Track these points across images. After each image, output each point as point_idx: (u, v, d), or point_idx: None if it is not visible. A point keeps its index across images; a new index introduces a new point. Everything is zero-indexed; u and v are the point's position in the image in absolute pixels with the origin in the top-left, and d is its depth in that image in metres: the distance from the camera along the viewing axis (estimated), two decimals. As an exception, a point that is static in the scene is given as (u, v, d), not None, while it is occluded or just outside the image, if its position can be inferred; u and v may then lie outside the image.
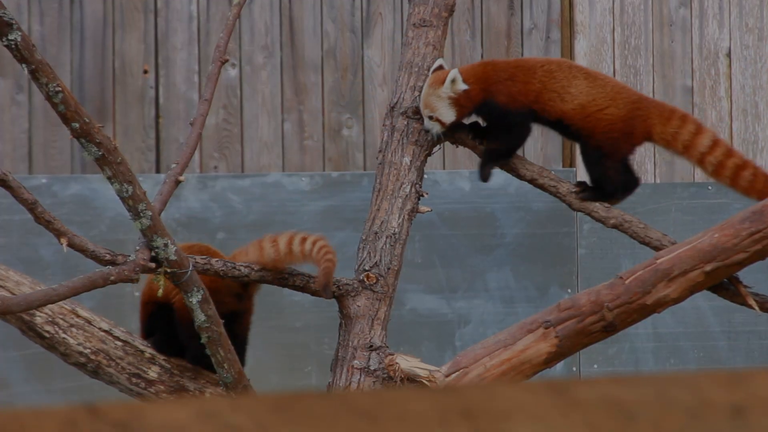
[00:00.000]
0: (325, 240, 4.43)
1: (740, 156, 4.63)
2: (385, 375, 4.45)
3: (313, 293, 4.55)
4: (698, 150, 4.63)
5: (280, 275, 4.49)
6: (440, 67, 4.65)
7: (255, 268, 4.45)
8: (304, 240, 4.41)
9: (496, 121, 4.63)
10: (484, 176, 4.66)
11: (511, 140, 4.65)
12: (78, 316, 4.60)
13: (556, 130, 4.76)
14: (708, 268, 4.35)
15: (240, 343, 4.59)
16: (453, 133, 4.66)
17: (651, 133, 4.67)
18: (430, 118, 4.59)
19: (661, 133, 4.66)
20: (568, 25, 7.34)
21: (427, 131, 4.62)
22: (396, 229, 4.65)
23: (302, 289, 4.53)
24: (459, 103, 4.57)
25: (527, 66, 4.64)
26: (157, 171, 7.08)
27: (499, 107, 4.59)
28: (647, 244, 4.64)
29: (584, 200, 4.64)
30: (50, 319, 4.55)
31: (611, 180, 4.65)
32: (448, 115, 4.57)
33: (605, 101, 4.62)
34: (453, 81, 4.54)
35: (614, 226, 4.67)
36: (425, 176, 4.88)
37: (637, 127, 4.65)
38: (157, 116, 7.16)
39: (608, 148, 4.63)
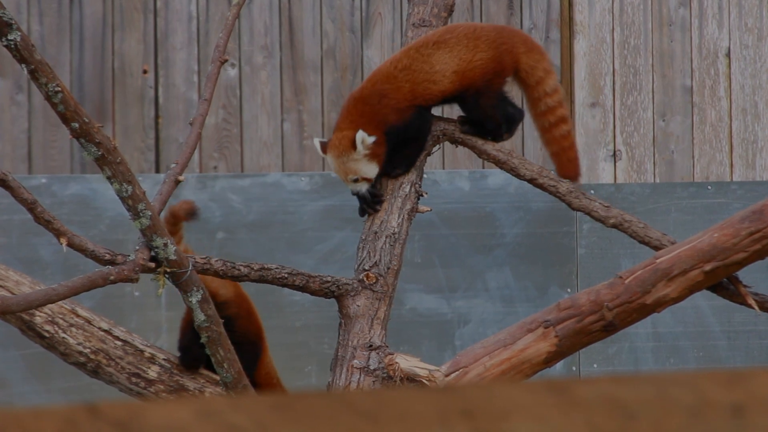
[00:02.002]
0: None
1: (567, 112, 4.75)
2: (385, 374, 4.44)
3: (313, 293, 4.55)
4: (544, 89, 4.69)
5: (280, 275, 4.49)
6: (324, 146, 4.63)
7: (255, 268, 4.45)
8: None
9: (405, 137, 4.63)
10: (396, 175, 4.67)
11: (422, 143, 4.66)
12: (78, 315, 4.60)
13: (450, 103, 4.75)
14: (707, 267, 4.35)
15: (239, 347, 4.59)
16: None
17: (518, 62, 4.67)
18: (356, 181, 4.58)
19: (527, 62, 4.68)
20: (567, 24, 7.34)
21: (356, 193, 4.61)
22: (396, 229, 4.65)
23: (302, 289, 4.53)
24: (375, 153, 4.57)
25: (384, 77, 4.61)
26: (157, 171, 7.08)
27: (398, 127, 4.59)
28: (647, 244, 4.64)
29: (466, 133, 4.68)
30: (50, 318, 4.55)
31: (492, 118, 4.67)
32: (371, 170, 4.58)
33: (469, 54, 4.61)
34: (363, 141, 4.54)
35: (614, 226, 4.67)
36: (425, 176, 4.88)
37: (506, 61, 4.66)
38: (157, 116, 7.16)
39: (483, 89, 4.64)
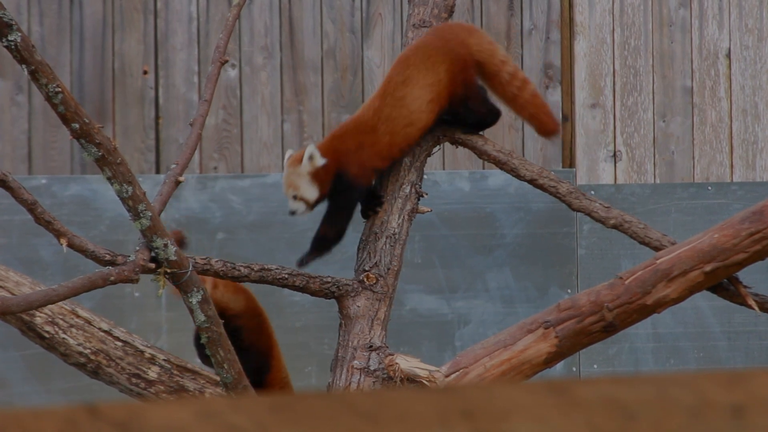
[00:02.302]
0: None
1: (524, 74, 4.75)
2: (385, 375, 4.45)
3: (313, 293, 4.56)
4: (499, 59, 4.65)
5: (281, 276, 4.49)
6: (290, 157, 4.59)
7: (255, 269, 4.45)
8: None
9: (338, 194, 4.56)
10: (303, 263, 4.57)
11: (343, 221, 4.57)
12: (78, 316, 4.60)
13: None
14: (708, 268, 4.35)
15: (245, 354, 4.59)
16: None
17: (470, 48, 4.62)
18: (294, 197, 4.53)
19: (475, 44, 4.63)
20: (567, 25, 7.34)
21: (293, 213, 4.55)
22: (396, 230, 4.65)
23: (302, 289, 4.53)
24: (319, 178, 4.51)
25: (367, 129, 4.54)
26: (157, 171, 7.08)
27: (348, 180, 4.53)
28: (647, 245, 4.64)
29: (465, 134, 4.67)
30: (50, 319, 4.56)
31: (481, 114, 4.66)
32: (311, 192, 4.52)
33: (433, 75, 4.57)
34: (311, 157, 4.48)
35: (614, 227, 4.67)
36: (425, 177, 4.88)
37: (463, 53, 4.59)
38: (157, 117, 7.16)
39: (465, 91, 4.60)
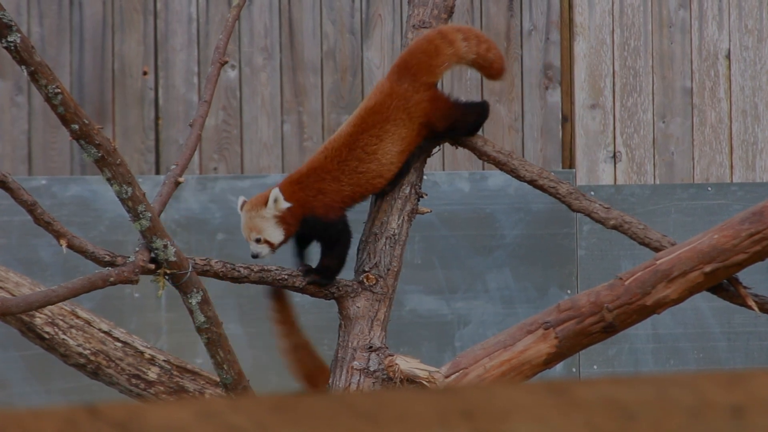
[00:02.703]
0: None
1: (484, 37, 4.67)
2: (385, 376, 4.44)
3: (313, 294, 4.56)
4: (464, 57, 4.59)
5: (280, 276, 4.49)
6: (243, 203, 4.53)
7: (255, 269, 4.45)
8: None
9: (322, 233, 4.54)
10: (310, 280, 4.53)
11: (342, 250, 4.53)
12: (78, 317, 4.60)
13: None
14: (707, 269, 4.35)
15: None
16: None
17: (436, 70, 4.54)
18: (258, 241, 4.45)
19: (434, 78, 4.56)
20: (567, 26, 7.34)
21: (256, 256, 4.48)
22: (395, 230, 4.65)
23: (302, 290, 4.53)
24: (285, 221, 4.47)
25: (328, 178, 4.50)
26: (157, 172, 7.08)
27: (320, 220, 4.49)
28: (647, 245, 4.64)
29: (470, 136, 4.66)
30: (50, 320, 4.56)
31: (469, 123, 4.64)
32: (276, 235, 4.46)
33: (405, 128, 4.51)
34: (276, 200, 4.42)
35: (614, 227, 4.67)
36: (425, 177, 4.88)
37: (429, 80, 4.53)
38: (157, 118, 7.16)
39: (441, 120, 4.55)
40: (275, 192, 4.43)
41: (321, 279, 4.49)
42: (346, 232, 4.54)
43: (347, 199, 4.53)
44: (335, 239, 4.52)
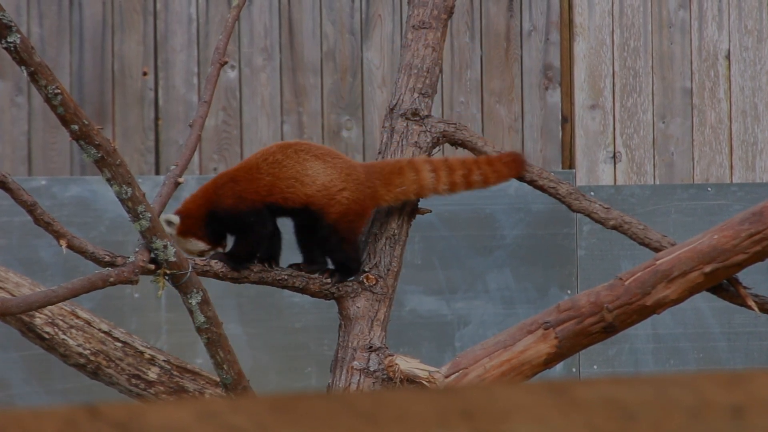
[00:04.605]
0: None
1: (460, 162, 4.60)
2: (385, 376, 4.45)
3: (313, 294, 4.56)
4: (428, 187, 4.57)
5: (280, 277, 4.49)
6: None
7: (254, 270, 4.45)
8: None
9: (232, 224, 4.48)
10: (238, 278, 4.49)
11: (252, 242, 4.46)
12: (78, 317, 4.60)
13: (298, 219, 4.57)
14: (707, 269, 4.35)
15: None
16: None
17: (379, 202, 4.55)
18: (201, 254, 4.47)
19: (387, 195, 4.54)
20: (567, 26, 7.34)
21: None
22: (395, 231, 4.65)
23: (302, 290, 4.53)
24: (188, 230, 4.45)
25: (248, 166, 4.48)
26: (157, 173, 7.08)
27: (227, 210, 4.45)
28: (647, 246, 4.64)
29: (339, 283, 4.54)
30: (50, 320, 4.56)
31: (353, 260, 4.55)
32: (194, 246, 4.46)
33: (341, 183, 4.48)
34: (167, 222, 4.39)
35: (614, 228, 4.67)
36: (425, 178, 4.88)
37: (368, 205, 4.52)
38: (157, 118, 7.16)
39: (346, 233, 4.50)
40: (162, 217, 4.35)
41: (229, 261, 4.43)
42: (259, 224, 4.46)
43: (264, 189, 4.45)
44: (244, 231, 4.45)
